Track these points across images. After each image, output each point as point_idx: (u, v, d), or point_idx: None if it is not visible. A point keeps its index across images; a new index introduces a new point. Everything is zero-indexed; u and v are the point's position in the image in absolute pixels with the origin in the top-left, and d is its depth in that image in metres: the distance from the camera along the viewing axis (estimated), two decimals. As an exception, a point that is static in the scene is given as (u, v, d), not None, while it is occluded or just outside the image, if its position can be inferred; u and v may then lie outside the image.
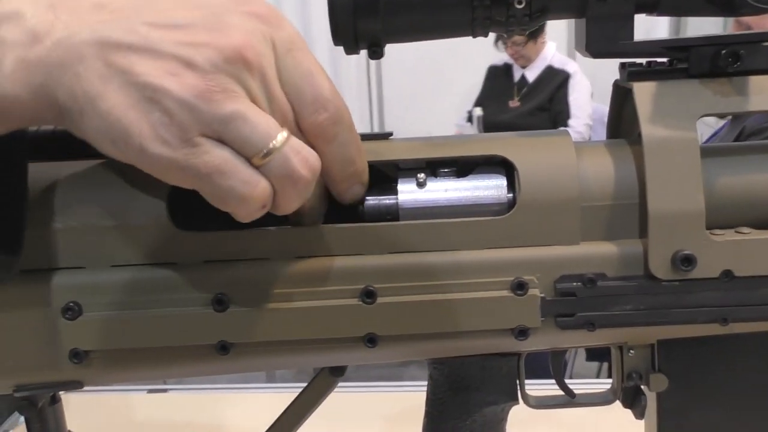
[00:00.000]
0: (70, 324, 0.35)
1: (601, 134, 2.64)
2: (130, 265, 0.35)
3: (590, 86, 2.60)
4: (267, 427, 0.42)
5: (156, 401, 0.84)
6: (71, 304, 0.35)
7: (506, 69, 2.67)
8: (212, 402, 0.84)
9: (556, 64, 2.59)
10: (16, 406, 0.39)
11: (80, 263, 0.35)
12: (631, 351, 0.39)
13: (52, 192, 0.35)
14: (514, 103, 2.61)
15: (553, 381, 0.42)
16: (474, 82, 2.87)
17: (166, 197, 0.35)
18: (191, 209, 0.36)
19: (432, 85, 3.15)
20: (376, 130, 3.74)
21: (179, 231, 0.35)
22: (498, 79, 2.69)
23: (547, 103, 2.59)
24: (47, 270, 0.35)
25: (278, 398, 0.87)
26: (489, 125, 2.43)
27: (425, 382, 0.42)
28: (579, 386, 0.43)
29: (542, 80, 2.61)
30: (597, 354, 1.73)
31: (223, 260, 0.35)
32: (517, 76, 2.65)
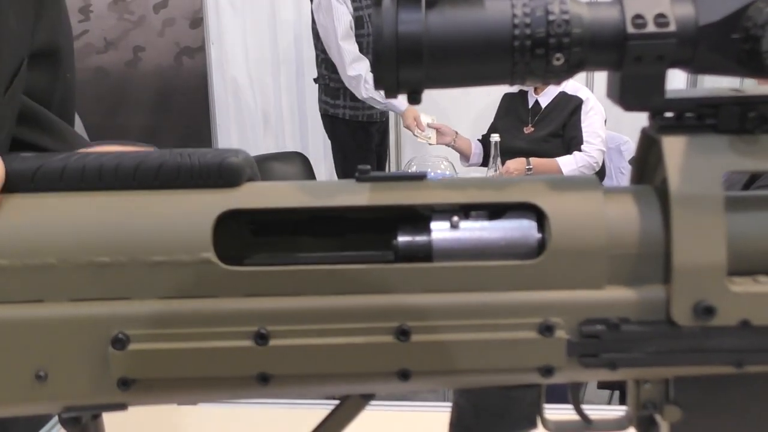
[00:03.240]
0: (119, 354, 0.36)
1: (617, 162, 2.65)
2: (175, 297, 0.37)
3: (604, 112, 2.61)
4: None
5: (186, 414, 0.86)
6: (120, 335, 0.36)
7: (521, 95, 2.69)
8: (240, 416, 0.87)
9: (569, 90, 2.61)
10: (61, 422, 0.41)
11: (127, 294, 0.37)
12: (647, 384, 0.41)
13: (99, 224, 0.37)
14: (528, 129, 2.63)
15: (567, 405, 0.44)
16: (488, 103, 2.89)
17: (211, 231, 0.37)
18: (236, 242, 0.38)
19: (448, 105, 3.18)
20: (393, 150, 3.77)
21: (223, 266, 0.37)
22: (513, 105, 2.71)
23: (560, 130, 2.61)
24: (97, 299, 0.37)
25: (295, 414, 0.88)
26: (504, 150, 2.45)
27: (436, 403, 0.44)
28: (592, 413, 0.45)
29: (556, 106, 2.63)
30: (608, 383, 1.73)
31: (265, 295, 0.37)
32: (531, 102, 2.67)
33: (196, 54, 3.80)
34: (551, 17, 0.35)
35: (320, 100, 3.10)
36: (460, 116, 3.18)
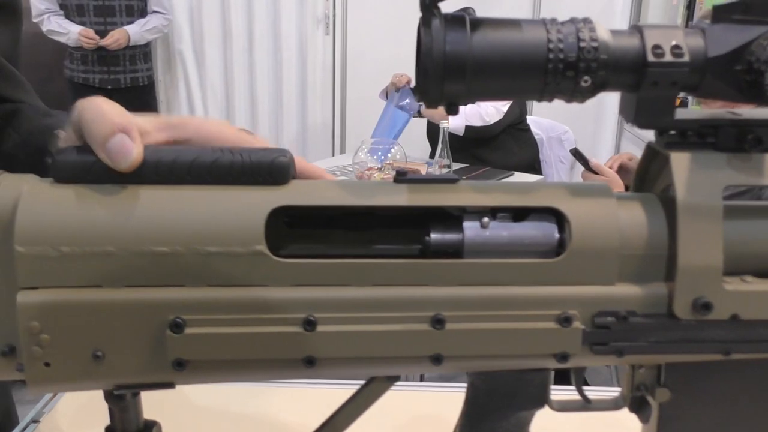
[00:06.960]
0: (176, 337, 0.39)
1: (557, 151, 2.74)
2: (227, 286, 0.40)
3: None
4: (320, 424, 0.47)
5: (212, 391, 0.88)
6: (177, 319, 0.39)
7: None
8: (263, 394, 0.90)
9: None
10: (107, 398, 0.43)
11: (182, 282, 0.40)
12: (642, 368, 0.46)
13: (158, 216, 0.40)
14: None
15: (566, 386, 0.49)
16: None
17: (264, 225, 0.40)
18: (272, 233, 0.41)
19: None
20: (338, 131, 3.80)
21: (273, 258, 0.40)
22: None
23: None
24: (154, 286, 0.39)
25: (320, 394, 0.89)
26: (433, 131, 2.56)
27: (445, 384, 0.47)
28: (589, 393, 0.50)
29: None
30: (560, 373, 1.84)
31: (311, 285, 0.40)
32: None
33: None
34: (582, 44, 0.39)
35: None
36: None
